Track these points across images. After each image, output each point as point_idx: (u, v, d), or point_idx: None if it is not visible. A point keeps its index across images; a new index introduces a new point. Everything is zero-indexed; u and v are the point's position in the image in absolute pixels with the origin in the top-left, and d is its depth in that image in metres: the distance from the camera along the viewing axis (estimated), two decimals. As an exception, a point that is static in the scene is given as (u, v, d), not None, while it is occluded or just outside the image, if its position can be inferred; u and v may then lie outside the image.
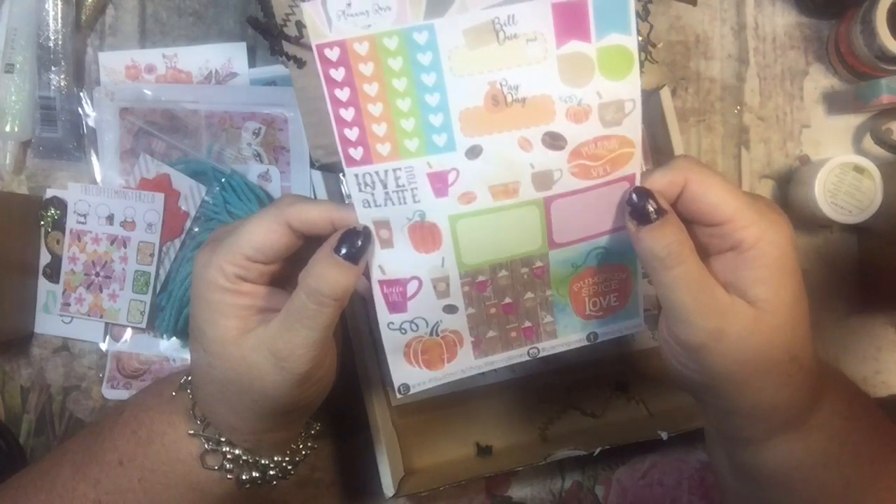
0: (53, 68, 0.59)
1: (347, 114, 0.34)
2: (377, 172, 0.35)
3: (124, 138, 0.59)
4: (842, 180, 0.54)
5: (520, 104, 0.33)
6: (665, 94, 0.53)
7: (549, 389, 0.59)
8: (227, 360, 0.37)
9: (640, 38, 0.50)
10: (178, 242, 0.58)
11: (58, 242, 0.60)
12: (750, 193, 0.35)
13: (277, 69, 0.59)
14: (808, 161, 0.59)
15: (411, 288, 0.38)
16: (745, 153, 0.60)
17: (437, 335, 0.39)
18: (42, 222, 0.60)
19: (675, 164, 0.35)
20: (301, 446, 0.44)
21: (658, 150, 0.56)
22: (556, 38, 0.32)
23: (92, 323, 0.60)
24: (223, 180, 0.57)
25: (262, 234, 0.36)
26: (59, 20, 0.59)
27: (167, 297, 0.57)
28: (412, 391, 0.41)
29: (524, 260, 0.38)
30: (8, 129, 0.59)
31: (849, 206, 0.54)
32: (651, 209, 0.34)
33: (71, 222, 0.59)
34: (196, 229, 0.58)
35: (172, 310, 0.57)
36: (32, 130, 0.60)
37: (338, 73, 0.33)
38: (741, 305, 0.34)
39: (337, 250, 0.35)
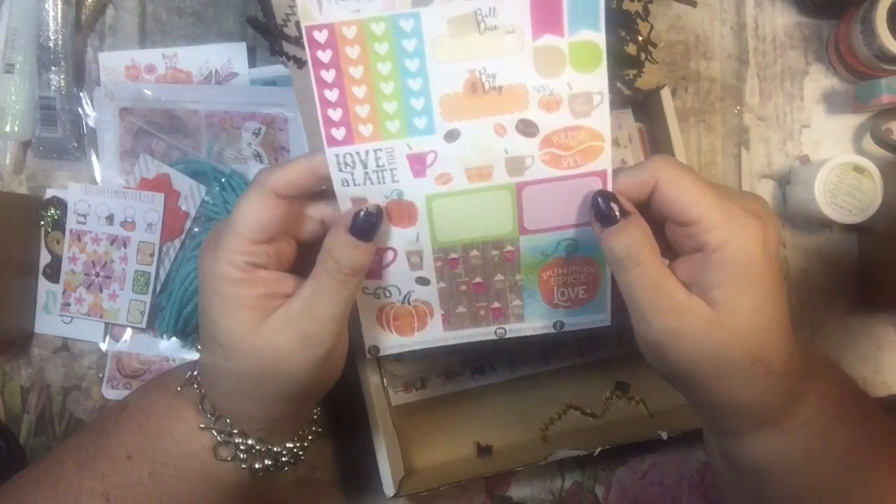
0: (53, 68, 0.59)
1: (332, 94, 0.35)
2: (358, 153, 0.36)
3: (124, 138, 0.59)
4: (842, 180, 0.54)
5: (496, 91, 0.35)
6: (665, 94, 0.53)
7: (549, 389, 0.59)
8: (248, 350, 0.37)
9: (641, 38, 0.50)
10: (178, 242, 0.58)
11: (58, 242, 0.60)
12: (730, 193, 0.35)
13: (277, 69, 0.59)
14: (808, 161, 0.59)
15: (387, 257, 0.40)
16: (745, 153, 0.60)
17: (409, 304, 0.41)
18: (42, 222, 0.60)
19: (647, 164, 0.36)
20: (307, 431, 0.45)
21: (658, 150, 0.56)
22: (533, 31, 0.34)
23: (92, 323, 0.60)
24: (223, 180, 0.57)
25: (256, 212, 0.36)
26: (59, 20, 0.59)
27: (167, 297, 0.57)
28: (382, 353, 0.43)
29: (495, 242, 0.39)
30: (8, 129, 0.59)
31: (849, 206, 0.54)
32: (614, 211, 0.35)
33: (71, 222, 0.59)
34: (196, 229, 0.58)
35: (172, 310, 0.57)
36: (32, 130, 0.60)
37: (325, 55, 0.34)
38: (699, 307, 0.34)
39: (351, 230, 0.36)
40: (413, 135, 0.36)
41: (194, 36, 0.61)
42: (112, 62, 0.60)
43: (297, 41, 0.51)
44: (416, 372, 0.57)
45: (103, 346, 0.60)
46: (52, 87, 0.59)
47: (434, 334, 0.42)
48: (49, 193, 0.60)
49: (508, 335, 0.42)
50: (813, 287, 0.59)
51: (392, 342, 0.42)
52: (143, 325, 0.59)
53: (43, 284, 0.60)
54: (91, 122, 0.60)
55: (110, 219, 0.58)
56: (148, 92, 0.59)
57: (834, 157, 0.54)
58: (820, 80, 0.60)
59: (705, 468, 0.60)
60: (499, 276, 0.40)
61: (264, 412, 0.40)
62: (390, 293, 0.41)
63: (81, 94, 0.60)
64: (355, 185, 0.37)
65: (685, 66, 0.60)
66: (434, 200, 0.38)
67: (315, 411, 0.46)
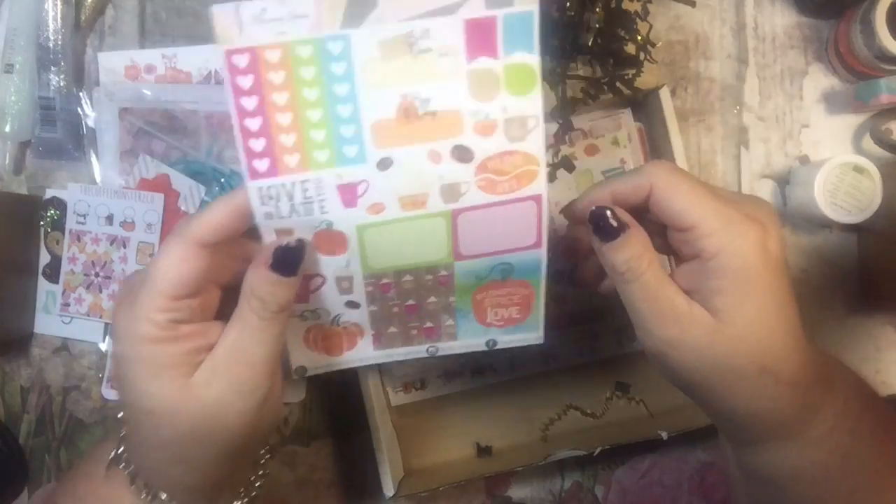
0: (53, 68, 0.59)
1: (253, 123, 0.33)
2: (283, 185, 0.34)
3: (124, 138, 0.59)
4: (842, 180, 0.54)
5: (430, 117, 0.34)
6: (665, 94, 0.53)
7: (549, 389, 0.59)
8: (179, 413, 0.34)
9: (640, 38, 0.50)
10: (177, 242, 0.58)
11: (57, 243, 0.60)
12: (730, 197, 0.35)
13: (277, 69, 0.59)
14: (807, 161, 0.59)
15: (314, 283, 0.38)
16: (745, 153, 0.60)
17: (338, 325, 0.40)
18: (42, 222, 0.60)
19: (643, 169, 0.36)
20: (255, 478, 0.42)
21: (658, 150, 0.56)
22: (467, 54, 0.33)
23: (92, 323, 0.60)
24: (222, 181, 0.57)
25: (177, 266, 0.34)
26: (59, 20, 0.59)
27: (167, 297, 0.57)
28: (309, 373, 0.41)
29: (429, 268, 0.38)
30: (7, 129, 0.59)
31: (848, 206, 0.54)
32: (613, 226, 0.35)
33: (70, 222, 0.59)
34: (196, 229, 0.58)
35: (172, 310, 0.57)
36: (32, 130, 0.60)
37: (245, 81, 0.32)
38: (700, 315, 0.34)
39: (273, 266, 0.35)
40: (343, 164, 0.34)
41: (194, 36, 0.61)
42: (112, 62, 0.60)
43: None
44: (415, 372, 0.57)
45: (103, 347, 0.60)
46: (52, 88, 0.59)
47: (364, 353, 0.41)
48: (49, 193, 0.60)
49: (440, 353, 0.42)
50: (813, 287, 0.59)
51: (320, 361, 0.41)
52: (143, 326, 0.59)
53: (43, 284, 0.60)
54: (90, 123, 0.60)
55: (110, 219, 0.58)
56: (147, 92, 0.59)
57: (834, 157, 0.54)
58: (820, 80, 0.60)
59: (705, 468, 0.60)
60: (432, 299, 0.40)
61: (204, 479, 0.37)
62: (319, 315, 0.39)
63: (81, 94, 0.60)
64: (280, 217, 0.35)
65: (685, 66, 0.60)
66: (366, 230, 0.36)
67: (264, 456, 0.44)
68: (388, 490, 0.52)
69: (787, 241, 0.60)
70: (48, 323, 0.60)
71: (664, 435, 0.53)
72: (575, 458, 0.57)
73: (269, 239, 0.36)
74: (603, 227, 0.35)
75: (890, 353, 0.59)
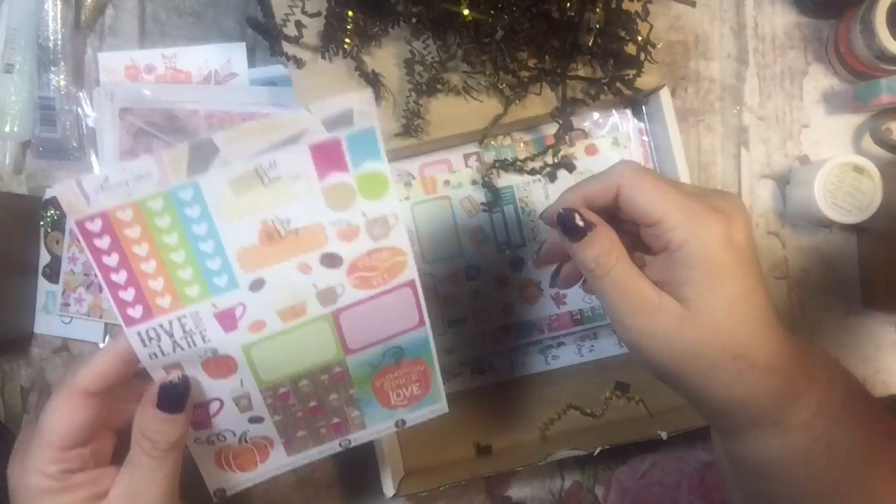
0: (53, 68, 0.59)
1: (119, 277, 0.34)
2: (161, 325, 0.36)
3: (124, 138, 0.59)
4: (841, 180, 0.54)
5: (294, 234, 0.36)
6: (665, 94, 0.53)
7: (549, 389, 0.59)
8: None
9: (640, 38, 0.50)
10: (177, 242, 0.58)
11: (57, 243, 0.60)
12: (696, 192, 0.36)
13: (277, 69, 0.59)
14: (807, 161, 0.59)
15: (213, 408, 0.39)
16: (745, 153, 0.60)
17: (247, 442, 0.41)
18: (42, 222, 0.60)
19: (609, 170, 0.37)
20: None
21: (658, 149, 0.56)
22: (318, 174, 0.35)
23: (91, 323, 0.60)
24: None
25: (65, 418, 0.34)
26: (59, 20, 0.59)
27: (167, 297, 0.57)
28: (229, 493, 0.42)
29: (322, 368, 0.40)
30: (8, 129, 0.59)
31: (848, 206, 0.54)
32: (580, 226, 0.36)
33: (70, 222, 0.59)
34: (196, 229, 0.58)
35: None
36: (32, 130, 0.60)
37: (103, 242, 0.34)
38: (669, 304, 0.35)
39: (160, 405, 0.35)
40: (216, 294, 0.36)
41: (194, 36, 0.61)
42: (112, 62, 0.60)
43: (297, 41, 0.51)
44: (415, 372, 0.57)
45: (103, 346, 0.60)
46: (52, 88, 0.59)
47: (278, 461, 0.43)
48: (49, 193, 0.60)
49: (353, 444, 0.43)
50: (813, 287, 0.59)
51: (236, 480, 0.42)
52: (143, 326, 0.59)
53: (43, 284, 0.60)
54: (91, 123, 0.60)
55: (110, 219, 0.58)
56: (147, 92, 0.59)
57: (833, 157, 0.54)
58: (820, 80, 0.60)
59: (705, 468, 0.60)
60: (333, 396, 0.41)
61: None
62: (224, 437, 0.41)
63: (81, 94, 0.60)
64: (164, 355, 0.36)
65: (685, 66, 0.60)
66: (252, 348, 0.38)
67: None
68: (389, 490, 0.52)
69: (787, 240, 0.60)
70: (48, 323, 0.60)
71: (664, 435, 0.53)
72: (575, 458, 0.57)
73: (158, 376, 0.37)
74: (570, 227, 0.36)
75: (890, 353, 0.59)
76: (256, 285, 0.36)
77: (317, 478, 0.60)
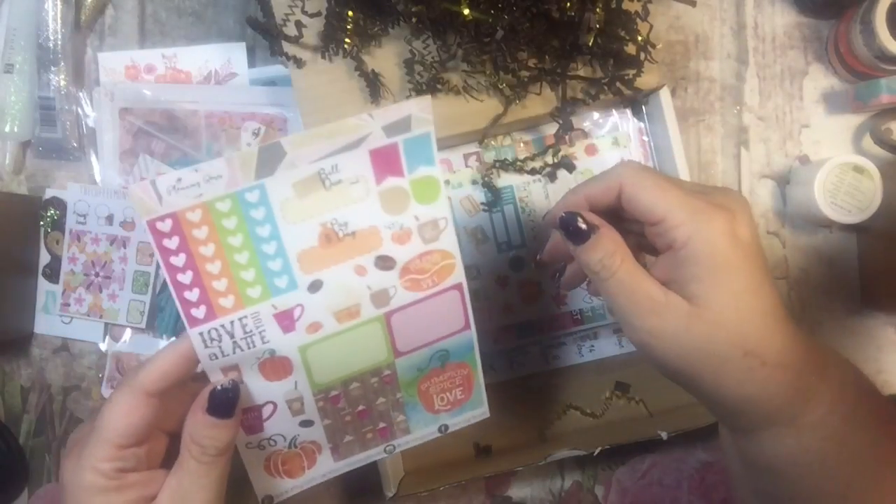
0: (53, 68, 0.59)
1: (185, 277, 0.35)
2: (223, 326, 0.36)
3: (124, 138, 0.59)
4: (841, 180, 0.54)
5: (351, 237, 0.37)
6: (665, 94, 0.53)
7: (549, 389, 0.59)
8: None
9: (640, 38, 0.50)
10: (177, 242, 0.58)
11: (57, 242, 0.60)
12: (698, 190, 0.36)
13: (277, 69, 0.59)
14: (807, 161, 0.59)
15: (266, 411, 0.40)
16: (745, 153, 0.60)
17: (296, 447, 0.42)
18: (42, 222, 0.60)
19: (611, 171, 0.37)
20: None
21: (658, 149, 0.56)
22: (376, 178, 0.36)
23: (91, 323, 0.60)
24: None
25: (125, 416, 0.35)
26: (59, 20, 0.59)
27: (167, 297, 0.57)
28: (275, 501, 0.43)
29: (373, 371, 0.41)
30: (8, 129, 0.59)
31: (848, 206, 0.54)
32: (583, 229, 0.36)
33: (70, 222, 0.59)
34: (196, 229, 0.58)
35: (172, 310, 0.57)
36: (32, 130, 0.60)
37: (171, 242, 0.34)
38: (676, 303, 0.35)
39: (209, 410, 0.36)
40: (276, 295, 0.37)
41: (194, 36, 0.61)
42: (112, 62, 0.60)
43: (297, 41, 0.51)
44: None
45: (103, 346, 0.60)
46: (52, 87, 0.59)
47: (325, 468, 0.43)
48: (49, 193, 0.60)
49: (397, 450, 0.44)
50: (813, 287, 0.59)
51: (284, 487, 0.43)
52: (143, 325, 0.59)
53: (42, 284, 0.60)
54: (91, 122, 0.60)
55: (110, 219, 0.58)
56: (147, 92, 0.59)
57: (833, 157, 0.54)
58: (820, 80, 0.60)
59: (705, 468, 0.60)
60: (381, 400, 0.42)
61: None
62: (275, 442, 0.41)
63: (81, 94, 0.60)
64: (224, 356, 0.37)
65: (685, 66, 0.60)
66: (307, 349, 0.38)
67: None
68: (389, 490, 0.52)
69: (787, 240, 0.60)
70: (48, 323, 0.60)
71: (664, 435, 0.53)
72: (575, 458, 0.57)
73: (216, 378, 0.37)
74: (573, 231, 0.36)
75: (890, 353, 0.59)
76: (315, 286, 0.37)
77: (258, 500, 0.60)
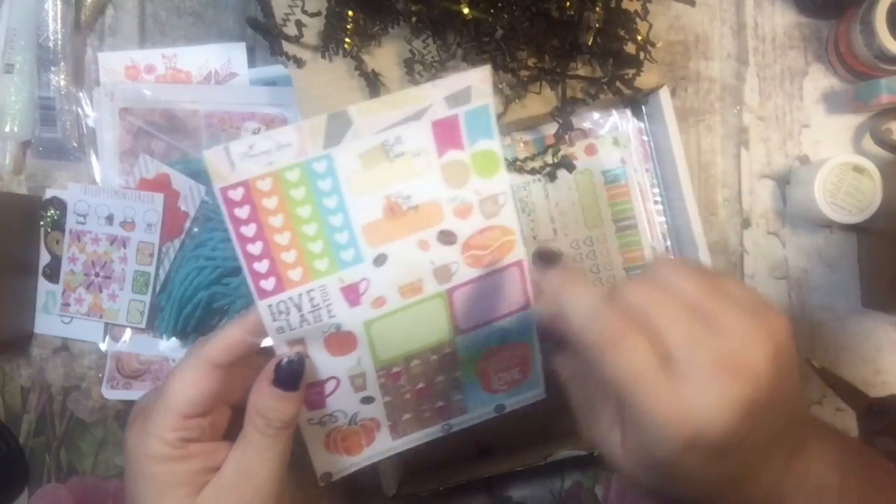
0: (53, 68, 0.59)
1: (255, 248, 0.35)
2: (291, 298, 0.36)
3: (124, 138, 0.59)
4: (841, 180, 0.54)
5: (414, 210, 0.37)
6: (665, 94, 0.53)
7: (550, 389, 0.59)
8: None
9: (640, 38, 0.50)
10: (177, 242, 0.58)
11: (57, 243, 0.60)
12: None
13: (277, 69, 0.59)
14: (807, 161, 0.59)
15: (329, 387, 0.40)
16: (745, 153, 0.60)
17: (356, 424, 0.42)
18: (42, 222, 0.60)
19: (547, 295, 0.36)
20: None
21: (658, 149, 0.56)
22: (437, 151, 0.36)
23: (91, 323, 0.60)
24: (223, 180, 0.57)
25: (193, 387, 0.35)
26: (59, 20, 0.59)
27: (167, 297, 0.57)
28: (334, 478, 0.43)
29: (434, 348, 0.41)
30: (8, 129, 0.59)
31: (848, 206, 0.54)
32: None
33: (70, 222, 0.59)
34: (196, 229, 0.58)
35: (172, 310, 0.57)
36: (32, 130, 0.60)
37: (242, 211, 0.34)
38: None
39: (275, 382, 0.36)
40: (343, 268, 0.36)
41: (194, 36, 0.61)
42: (112, 62, 0.60)
43: (297, 41, 0.51)
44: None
45: (103, 347, 0.60)
46: (52, 87, 0.59)
47: (383, 445, 0.43)
48: (49, 193, 0.60)
49: (455, 429, 0.44)
50: (813, 287, 0.59)
51: (343, 464, 0.43)
52: (143, 325, 0.59)
53: (43, 284, 0.60)
54: (91, 122, 0.60)
55: (110, 219, 0.58)
56: (147, 92, 0.59)
57: (833, 157, 0.54)
58: (820, 80, 0.60)
59: (705, 468, 0.60)
60: (440, 378, 0.42)
61: None
62: (336, 418, 0.41)
63: (81, 94, 0.60)
64: (291, 329, 0.37)
65: (685, 65, 0.60)
66: (372, 325, 0.38)
67: None
68: (389, 490, 0.52)
69: (787, 240, 0.60)
70: (48, 323, 0.60)
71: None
72: (575, 458, 0.57)
73: (281, 351, 0.37)
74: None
75: (890, 353, 0.59)
76: (380, 260, 0.37)
77: (317, 477, 0.60)
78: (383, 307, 0.38)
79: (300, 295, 0.36)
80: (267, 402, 0.35)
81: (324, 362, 0.38)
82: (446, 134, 0.36)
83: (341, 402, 0.40)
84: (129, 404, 0.61)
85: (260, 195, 0.34)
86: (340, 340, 0.38)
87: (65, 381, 0.61)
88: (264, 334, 0.36)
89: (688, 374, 0.31)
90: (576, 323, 0.33)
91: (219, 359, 0.36)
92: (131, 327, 0.59)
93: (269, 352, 0.37)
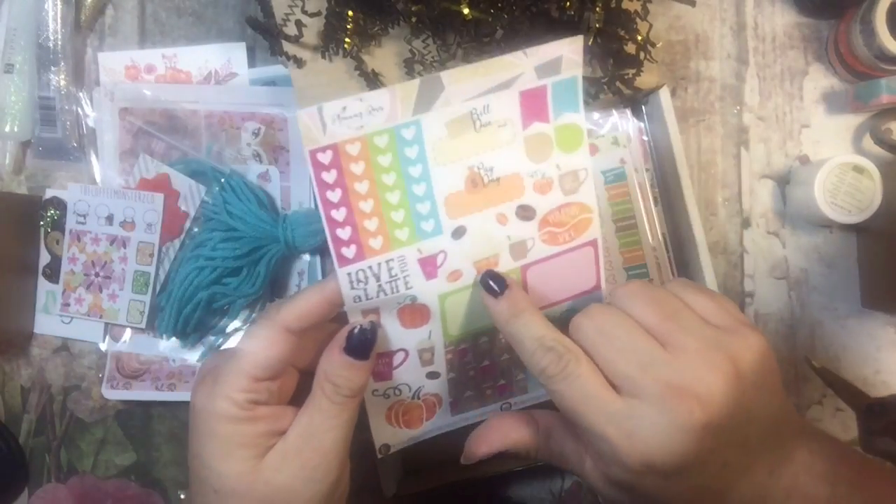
0: (53, 68, 0.59)
1: (339, 214, 0.35)
2: (370, 267, 0.36)
3: (124, 138, 0.59)
4: (841, 180, 0.54)
5: (495, 183, 0.36)
6: (665, 94, 0.53)
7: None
8: (247, 495, 0.35)
9: (640, 38, 0.50)
10: (177, 243, 0.58)
11: (57, 243, 0.60)
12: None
13: (277, 69, 0.59)
14: (807, 161, 0.59)
15: (397, 359, 0.39)
16: (745, 153, 0.60)
17: (419, 398, 0.41)
18: (42, 222, 0.60)
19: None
20: None
21: (658, 149, 0.56)
22: (523, 122, 0.35)
23: (91, 323, 0.60)
24: (223, 180, 0.57)
25: (265, 349, 0.35)
26: (59, 20, 0.59)
27: (167, 297, 0.57)
28: (392, 450, 0.42)
29: None
30: (8, 129, 0.59)
31: (848, 206, 0.54)
32: (494, 287, 0.36)
33: (70, 222, 0.59)
34: (196, 229, 0.58)
35: (172, 310, 0.57)
36: (32, 130, 0.60)
37: (329, 176, 0.34)
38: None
39: (347, 350, 0.36)
40: (422, 238, 0.36)
41: (194, 36, 0.61)
42: (112, 62, 0.60)
43: (297, 41, 0.51)
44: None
45: (103, 347, 0.60)
46: (52, 87, 0.59)
47: (443, 421, 0.43)
48: (49, 193, 0.60)
49: (513, 407, 0.43)
50: (813, 287, 0.59)
51: (402, 436, 0.42)
52: (143, 326, 0.59)
53: (42, 284, 0.60)
54: (91, 122, 0.60)
55: (110, 219, 0.58)
56: (147, 92, 0.59)
57: (833, 157, 0.54)
58: (820, 80, 0.60)
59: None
60: (505, 356, 0.41)
61: None
62: (400, 391, 0.40)
63: (81, 94, 0.60)
64: (368, 298, 0.36)
65: (685, 65, 0.60)
66: (447, 298, 0.38)
67: None
68: (388, 490, 0.52)
69: (787, 240, 0.60)
70: (48, 323, 0.60)
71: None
72: (575, 458, 0.57)
73: (356, 319, 0.37)
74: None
75: (890, 353, 0.59)
76: (458, 233, 0.36)
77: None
78: (458, 281, 0.37)
79: (379, 264, 0.36)
80: (337, 369, 0.35)
81: (395, 333, 0.38)
82: (533, 105, 0.35)
83: (407, 375, 0.40)
84: (130, 404, 0.61)
85: (348, 159, 0.33)
86: (414, 313, 0.38)
87: (65, 381, 0.61)
88: (342, 302, 0.36)
89: (637, 400, 0.31)
90: (527, 352, 0.34)
91: (293, 324, 0.36)
92: (131, 327, 0.59)
93: (341, 318, 0.37)
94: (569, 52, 0.34)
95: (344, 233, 0.35)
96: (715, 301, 0.35)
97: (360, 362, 0.36)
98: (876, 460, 0.38)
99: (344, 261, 0.35)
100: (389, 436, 0.42)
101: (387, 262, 0.36)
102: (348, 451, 0.37)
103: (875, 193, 0.54)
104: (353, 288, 0.36)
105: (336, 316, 0.38)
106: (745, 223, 0.60)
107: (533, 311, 0.35)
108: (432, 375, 0.40)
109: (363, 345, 0.36)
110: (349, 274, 0.35)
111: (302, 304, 0.36)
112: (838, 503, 0.34)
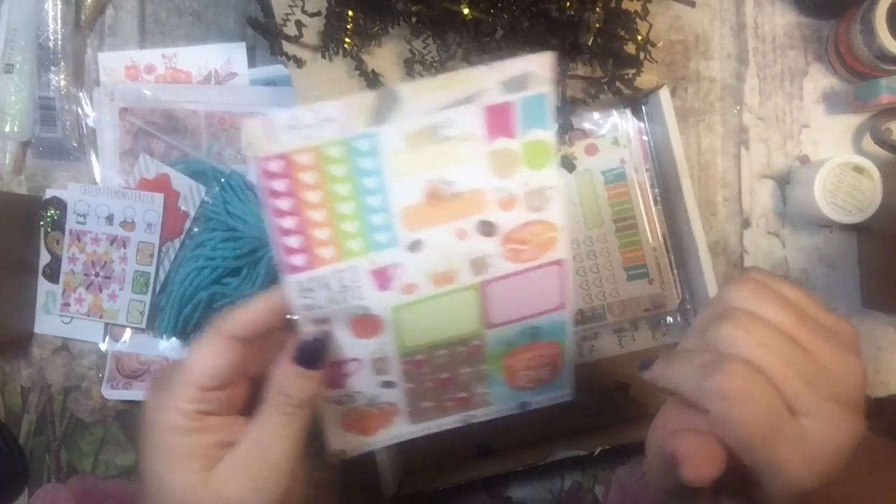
0: (53, 68, 0.59)
1: (289, 222, 0.34)
2: (320, 276, 0.35)
3: (124, 138, 0.59)
4: (841, 180, 0.54)
5: (456, 198, 0.35)
6: (664, 94, 0.53)
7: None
8: None
9: (640, 38, 0.50)
10: (177, 242, 0.58)
11: (57, 242, 0.60)
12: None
13: (277, 69, 0.59)
14: (807, 161, 0.59)
15: (350, 368, 0.39)
16: (745, 153, 0.60)
17: (374, 406, 0.41)
18: (42, 222, 0.60)
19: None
20: None
21: (658, 149, 0.56)
22: (487, 137, 0.34)
23: (91, 323, 0.60)
24: (223, 180, 0.57)
25: (212, 359, 0.35)
26: (59, 20, 0.59)
27: (167, 297, 0.57)
28: (347, 456, 0.42)
29: (462, 340, 0.40)
30: (8, 129, 0.59)
31: (848, 206, 0.54)
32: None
33: (70, 222, 0.59)
34: (196, 229, 0.58)
35: (172, 310, 0.57)
36: (32, 130, 0.60)
37: (279, 184, 0.33)
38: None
39: (297, 360, 0.35)
40: (375, 250, 0.35)
41: (194, 36, 0.61)
42: (112, 62, 0.60)
43: (297, 41, 0.51)
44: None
45: (103, 347, 0.60)
46: (52, 87, 0.59)
47: (400, 429, 0.42)
48: (49, 193, 0.60)
49: (475, 420, 0.43)
50: (813, 287, 0.59)
51: (358, 443, 0.42)
52: (143, 326, 0.59)
53: (43, 284, 0.60)
54: (91, 122, 0.60)
55: (110, 219, 0.58)
56: (147, 92, 0.59)
57: (833, 157, 0.54)
58: (820, 80, 0.60)
59: (705, 468, 0.60)
60: (465, 370, 0.41)
61: None
62: (354, 399, 0.40)
63: (81, 94, 0.60)
64: (318, 307, 0.36)
65: (685, 66, 0.60)
66: (400, 310, 0.37)
67: None
68: (388, 490, 0.52)
69: (787, 240, 0.60)
70: (48, 323, 0.60)
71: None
72: (575, 458, 0.57)
73: (306, 329, 0.37)
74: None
75: (890, 353, 0.59)
76: (415, 246, 0.36)
77: (317, 477, 0.60)
78: (414, 294, 0.37)
79: (330, 274, 0.35)
80: (288, 379, 0.35)
81: (347, 343, 0.38)
82: (498, 120, 0.34)
83: (361, 384, 0.40)
84: (130, 404, 0.61)
85: (298, 169, 0.33)
86: (366, 323, 0.37)
87: (65, 381, 0.61)
88: (288, 311, 0.36)
89: (810, 420, 0.30)
90: (690, 393, 0.32)
91: (240, 332, 0.35)
92: (131, 327, 0.59)
93: (289, 327, 0.37)
94: (538, 67, 0.33)
95: (293, 241, 0.34)
96: (804, 292, 0.34)
97: (311, 372, 0.36)
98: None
99: (293, 269, 0.35)
100: (344, 441, 0.42)
101: (338, 271, 0.35)
102: (300, 460, 0.37)
103: (875, 193, 0.54)
104: (302, 297, 0.35)
105: (288, 323, 0.37)
106: (745, 223, 0.60)
107: (680, 361, 0.34)
108: (387, 385, 0.40)
109: (314, 355, 0.36)
110: (299, 282, 0.35)
111: (248, 312, 0.36)
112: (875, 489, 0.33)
